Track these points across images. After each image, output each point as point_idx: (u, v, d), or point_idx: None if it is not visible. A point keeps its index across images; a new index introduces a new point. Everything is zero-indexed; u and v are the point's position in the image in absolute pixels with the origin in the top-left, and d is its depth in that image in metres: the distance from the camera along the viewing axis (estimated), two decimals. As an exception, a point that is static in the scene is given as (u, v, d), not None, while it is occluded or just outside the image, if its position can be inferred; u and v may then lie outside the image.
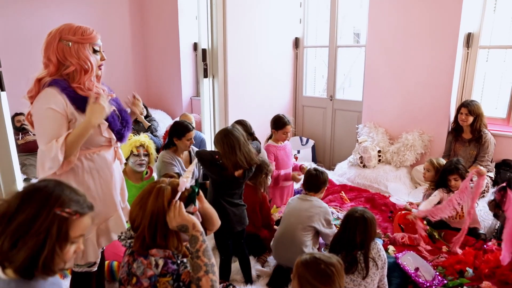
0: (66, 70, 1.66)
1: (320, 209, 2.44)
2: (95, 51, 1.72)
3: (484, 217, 2.95)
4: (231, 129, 2.23)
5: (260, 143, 3.20)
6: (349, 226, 1.96)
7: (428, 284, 2.19)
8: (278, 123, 3.28)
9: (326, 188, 2.64)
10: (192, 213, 1.44)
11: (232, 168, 2.14)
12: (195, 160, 2.10)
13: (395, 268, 2.30)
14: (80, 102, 1.66)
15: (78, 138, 1.62)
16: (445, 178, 2.84)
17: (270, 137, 3.40)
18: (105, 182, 1.81)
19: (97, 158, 1.77)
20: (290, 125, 3.28)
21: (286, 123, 3.25)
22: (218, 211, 2.24)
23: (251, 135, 3.19)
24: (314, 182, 2.54)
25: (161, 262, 1.35)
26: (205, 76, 3.88)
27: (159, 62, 5.83)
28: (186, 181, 1.42)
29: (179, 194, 1.40)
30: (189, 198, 1.45)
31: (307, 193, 2.56)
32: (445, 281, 2.23)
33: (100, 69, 1.78)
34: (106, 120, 1.74)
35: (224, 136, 2.18)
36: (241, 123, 3.31)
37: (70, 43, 1.64)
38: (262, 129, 3.64)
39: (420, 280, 2.22)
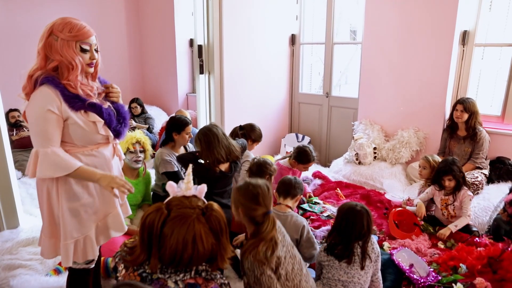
0: (50, 65, 1.61)
1: (295, 227, 2.14)
2: (83, 50, 1.63)
3: (478, 214, 2.97)
4: (209, 126, 2.24)
5: (246, 142, 3.11)
6: (344, 218, 1.95)
7: (422, 280, 2.21)
8: (303, 158, 3.09)
9: (300, 197, 2.35)
10: None
11: (213, 164, 2.14)
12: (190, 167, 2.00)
13: (389, 264, 2.32)
14: (72, 101, 1.62)
15: (81, 178, 1.67)
16: (439, 178, 2.87)
17: (289, 156, 3.23)
18: None
19: (95, 154, 1.73)
20: (314, 161, 3.12)
21: (311, 160, 3.10)
22: None
23: (243, 135, 3.12)
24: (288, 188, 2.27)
25: None
26: (201, 72, 3.86)
27: (155, 58, 5.81)
28: (191, 187, 1.40)
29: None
30: None
31: (281, 202, 2.26)
32: (439, 277, 2.25)
33: (91, 67, 1.68)
34: (102, 117, 1.69)
35: (202, 134, 2.19)
36: (251, 126, 3.21)
37: (58, 38, 1.59)
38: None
39: (415, 276, 2.23)
